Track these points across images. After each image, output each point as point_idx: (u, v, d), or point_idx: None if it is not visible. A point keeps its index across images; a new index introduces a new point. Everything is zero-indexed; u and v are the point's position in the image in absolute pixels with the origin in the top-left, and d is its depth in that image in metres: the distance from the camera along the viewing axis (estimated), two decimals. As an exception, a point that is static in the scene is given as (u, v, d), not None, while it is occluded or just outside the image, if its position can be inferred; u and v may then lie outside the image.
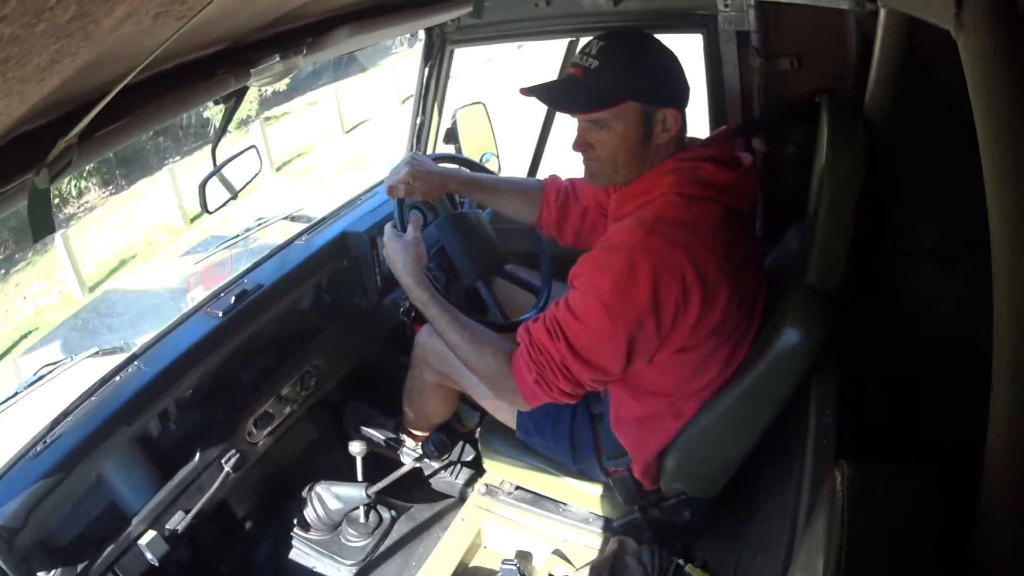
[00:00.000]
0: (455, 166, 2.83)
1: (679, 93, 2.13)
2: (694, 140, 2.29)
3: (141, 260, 14.44)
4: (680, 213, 2.07)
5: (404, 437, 3.30)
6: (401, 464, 3.27)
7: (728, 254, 2.09)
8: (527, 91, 2.21)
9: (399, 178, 2.60)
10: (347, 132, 19.76)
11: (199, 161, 18.49)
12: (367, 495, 2.94)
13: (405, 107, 20.85)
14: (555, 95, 2.26)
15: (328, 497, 3.00)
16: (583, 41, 2.24)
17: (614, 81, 2.09)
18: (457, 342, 2.34)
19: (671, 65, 2.12)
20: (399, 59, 23.80)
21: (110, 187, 17.33)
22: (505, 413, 2.76)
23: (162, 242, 15.35)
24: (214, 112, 18.51)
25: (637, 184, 2.21)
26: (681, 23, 2.90)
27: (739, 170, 2.22)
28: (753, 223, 2.33)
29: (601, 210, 2.66)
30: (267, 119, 19.62)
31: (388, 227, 2.53)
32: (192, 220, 15.88)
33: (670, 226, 2.04)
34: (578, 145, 2.22)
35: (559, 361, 2.12)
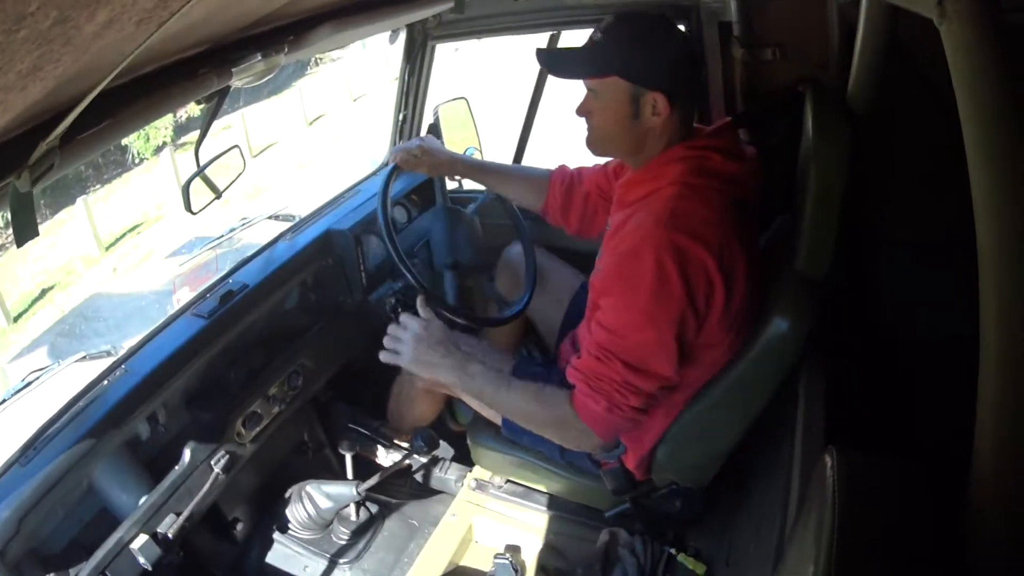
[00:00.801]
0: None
1: (673, 81, 2.14)
2: (700, 130, 2.31)
3: (60, 290, 14.41)
4: (694, 206, 2.09)
5: (392, 435, 3.29)
6: (389, 462, 3.29)
7: (741, 246, 2.11)
8: (539, 52, 2.38)
9: (409, 148, 2.62)
10: (255, 156, 19.68)
11: (119, 188, 18.68)
12: (357, 492, 2.93)
13: (312, 128, 21.28)
14: (554, 60, 2.35)
15: (318, 496, 3.00)
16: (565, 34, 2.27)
17: (607, 55, 2.15)
18: (510, 405, 2.36)
19: (670, 53, 2.14)
20: (309, 79, 24.06)
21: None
22: (488, 409, 2.76)
23: (80, 271, 15.40)
24: (131, 140, 18.73)
25: (645, 170, 2.24)
26: (663, 14, 2.91)
27: (744, 162, 2.25)
28: (756, 217, 2.33)
29: (602, 194, 2.71)
30: (181, 145, 19.52)
31: (406, 320, 2.47)
32: (108, 248, 15.99)
33: (688, 220, 2.06)
34: (579, 110, 2.28)
35: (621, 381, 2.12)
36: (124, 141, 18.25)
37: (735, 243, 2.09)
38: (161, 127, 18.66)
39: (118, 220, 16.35)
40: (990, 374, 1.07)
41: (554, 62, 2.33)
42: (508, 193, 2.94)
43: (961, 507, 1.14)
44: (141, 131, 17.94)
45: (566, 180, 2.82)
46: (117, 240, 16.22)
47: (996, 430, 1.08)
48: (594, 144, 2.32)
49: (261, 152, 20.09)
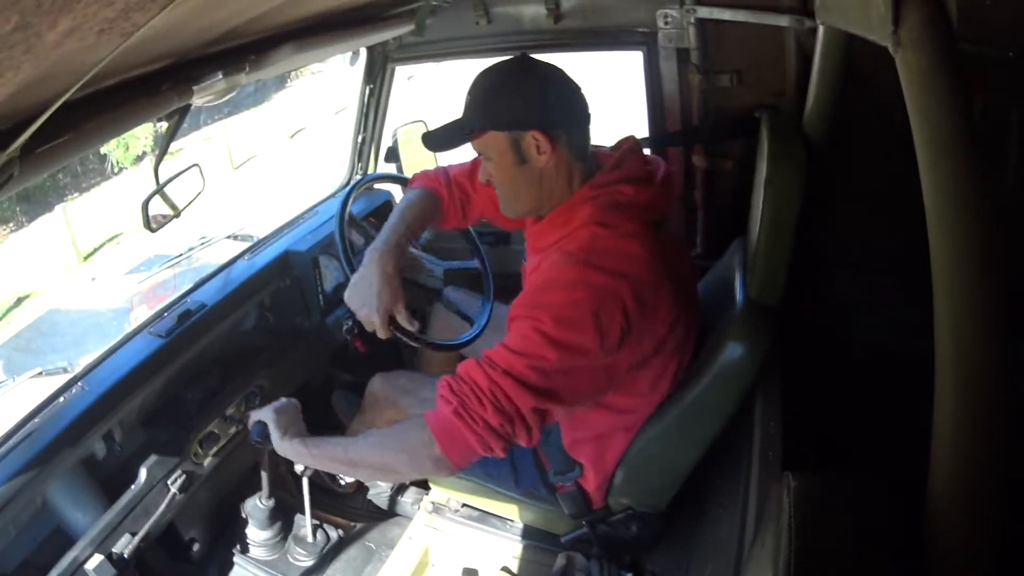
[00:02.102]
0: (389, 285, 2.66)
1: (543, 115, 2.11)
2: (603, 157, 2.28)
3: (36, 297, 14.23)
4: (612, 243, 2.07)
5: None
6: (341, 485, 3.33)
7: (662, 269, 2.10)
8: (423, 137, 2.32)
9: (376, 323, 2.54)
10: (236, 168, 19.55)
11: (98, 197, 18.35)
12: (260, 503, 2.96)
13: (293, 141, 21.11)
14: (436, 139, 2.29)
15: (254, 512, 3.01)
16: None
17: (475, 115, 2.15)
18: (364, 455, 2.26)
19: (532, 90, 2.12)
20: (289, 92, 24.03)
21: (11, 224, 17.05)
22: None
23: (57, 280, 15.08)
24: (110, 148, 18.51)
25: (553, 216, 2.21)
26: (621, 40, 2.93)
27: (655, 185, 2.22)
28: (669, 230, 2.34)
29: (463, 191, 2.72)
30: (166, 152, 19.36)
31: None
32: (86, 258, 15.75)
33: (601, 257, 2.04)
34: (480, 179, 2.28)
35: (486, 388, 2.00)
36: (103, 150, 18.16)
37: (655, 268, 2.08)
38: (141, 136, 18.41)
39: (97, 229, 16.14)
40: (945, 389, 1.09)
41: (436, 140, 2.30)
42: (431, 227, 2.89)
43: (919, 521, 1.15)
44: (120, 140, 17.78)
45: (446, 184, 2.75)
46: (96, 250, 16.02)
47: (952, 444, 1.10)
48: (505, 208, 2.31)
49: (242, 165, 19.91)
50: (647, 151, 2.36)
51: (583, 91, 2.17)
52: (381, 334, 2.39)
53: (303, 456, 2.32)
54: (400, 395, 2.89)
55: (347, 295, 2.43)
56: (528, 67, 2.15)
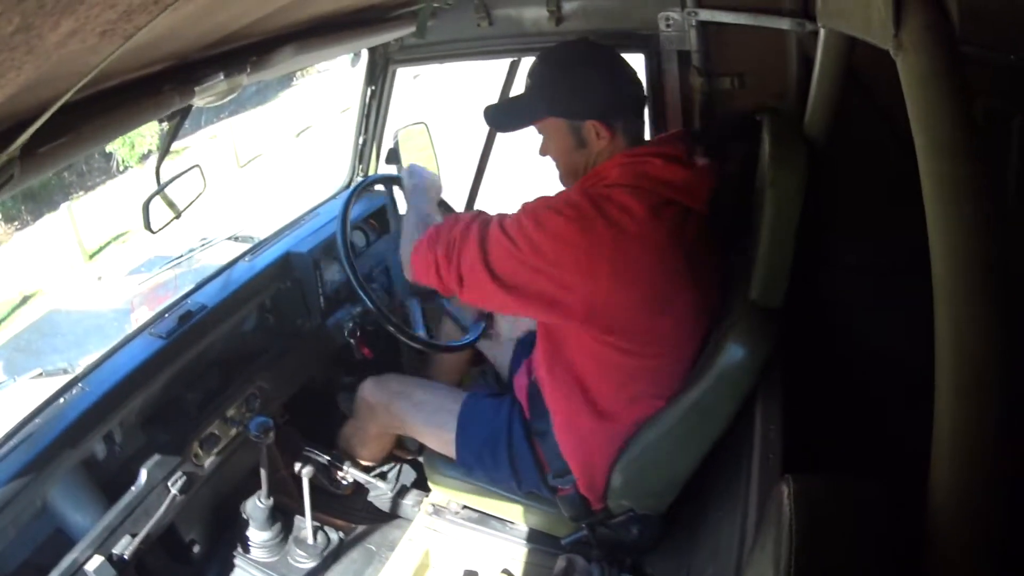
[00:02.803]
0: None
1: (604, 107, 2.20)
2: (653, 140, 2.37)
3: (41, 296, 14.19)
4: (616, 194, 2.13)
5: (345, 460, 3.29)
6: (340, 486, 3.31)
7: (666, 246, 2.13)
8: (486, 112, 2.45)
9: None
10: (242, 167, 19.54)
11: (103, 196, 18.28)
12: (260, 502, 2.95)
13: (299, 140, 21.02)
14: (498, 117, 2.41)
15: (253, 513, 3.00)
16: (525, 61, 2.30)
17: (537, 100, 2.26)
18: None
19: (594, 82, 2.20)
20: (294, 90, 24.05)
21: (15, 223, 17.03)
22: (447, 447, 2.78)
23: (63, 279, 15.02)
24: (116, 147, 18.46)
25: (585, 177, 2.27)
26: (623, 43, 2.92)
27: (690, 169, 2.25)
28: (708, 225, 2.34)
29: None
30: (167, 154, 19.30)
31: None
32: (91, 256, 15.68)
33: (604, 201, 2.10)
34: (540, 152, 2.37)
35: (456, 233, 2.25)
36: (109, 148, 18.08)
37: (661, 244, 2.13)
38: (147, 135, 18.34)
39: (102, 228, 16.11)
40: (945, 392, 1.09)
41: (498, 119, 2.42)
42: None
43: (919, 525, 1.15)
44: (125, 139, 17.73)
45: None
46: (101, 248, 15.99)
47: (953, 448, 1.09)
48: (562, 179, 2.40)
49: (248, 163, 19.84)
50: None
51: (638, 76, 2.27)
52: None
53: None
54: (393, 398, 2.91)
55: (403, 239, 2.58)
56: (589, 56, 2.24)
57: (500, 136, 3.45)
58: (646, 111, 2.36)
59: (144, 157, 19.01)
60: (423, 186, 2.75)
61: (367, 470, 3.27)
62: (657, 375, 2.28)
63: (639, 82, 2.25)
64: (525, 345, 2.92)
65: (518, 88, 2.56)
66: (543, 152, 2.36)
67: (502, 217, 2.21)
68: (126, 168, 19.14)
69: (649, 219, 2.10)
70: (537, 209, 2.15)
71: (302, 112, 22.01)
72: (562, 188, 2.40)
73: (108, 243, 16.05)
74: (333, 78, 22.07)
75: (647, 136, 2.45)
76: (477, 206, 3.75)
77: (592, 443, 2.41)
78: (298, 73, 23.11)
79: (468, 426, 2.69)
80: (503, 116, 2.41)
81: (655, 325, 2.19)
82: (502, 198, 3.02)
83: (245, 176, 18.70)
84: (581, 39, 2.29)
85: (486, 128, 2.90)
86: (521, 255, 2.11)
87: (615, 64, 2.22)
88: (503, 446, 2.62)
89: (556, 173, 2.42)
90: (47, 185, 17.41)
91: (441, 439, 2.78)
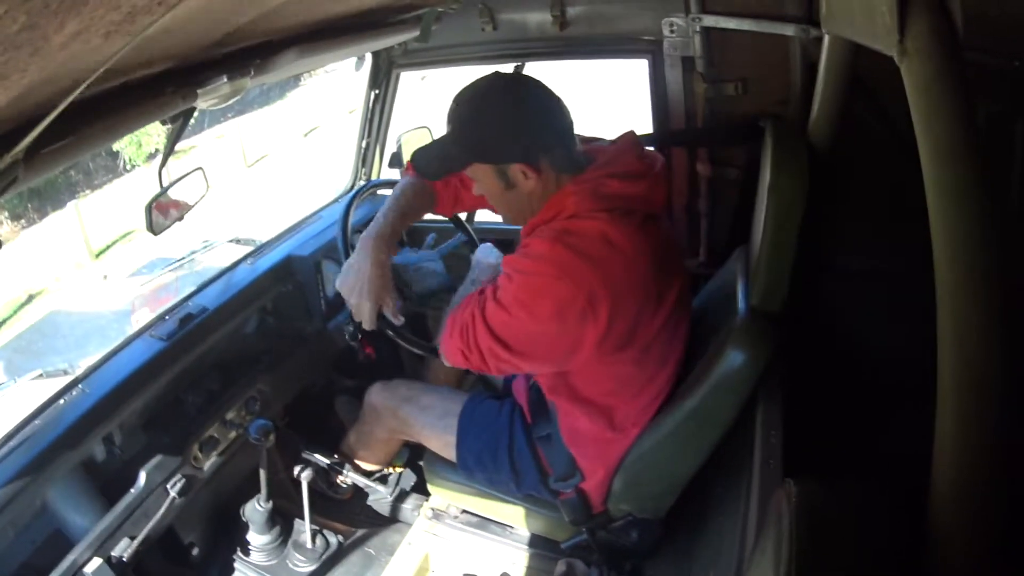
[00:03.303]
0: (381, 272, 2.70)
1: (524, 148, 2.14)
2: (593, 144, 2.33)
3: (47, 295, 14.18)
4: (583, 224, 2.11)
5: (345, 464, 3.28)
6: (339, 490, 3.32)
7: (643, 259, 2.12)
8: (411, 160, 2.37)
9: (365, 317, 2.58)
10: (250, 166, 19.56)
11: (109, 195, 18.26)
12: (259, 506, 2.95)
13: (307, 140, 21.13)
14: (422, 164, 2.31)
15: (252, 516, 3.00)
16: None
17: (458, 147, 2.19)
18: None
19: (509, 123, 2.13)
20: (302, 91, 24.09)
21: (22, 221, 17.01)
22: (448, 450, 2.78)
23: (69, 277, 15.00)
24: (122, 145, 18.47)
25: (542, 212, 2.23)
26: (627, 48, 2.93)
27: (647, 180, 2.23)
28: (667, 224, 2.34)
29: (459, 178, 2.72)
30: (174, 153, 19.31)
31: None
32: (98, 255, 15.62)
33: (574, 237, 2.08)
34: (475, 192, 2.34)
35: (465, 318, 2.20)
36: (115, 147, 18.13)
37: (638, 257, 2.10)
38: (154, 134, 18.25)
39: (109, 226, 16.08)
40: (947, 397, 1.09)
41: (428, 166, 2.32)
42: (421, 212, 2.90)
43: (921, 529, 1.15)
44: (132, 137, 17.68)
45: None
46: (108, 247, 15.96)
47: (954, 452, 1.10)
48: (505, 220, 2.41)
49: (256, 162, 19.85)
50: (650, 148, 2.37)
51: (562, 101, 2.18)
52: (367, 325, 2.43)
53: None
54: (400, 404, 2.90)
55: (338, 282, 2.46)
56: (506, 91, 2.17)
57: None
58: (574, 134, 2.25)
59: (151, 156, 18.98)
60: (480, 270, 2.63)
61: (367, 474, 3.27)
62: (658, 375, 2.29)
63: (560, 109, 2.18)
64: None
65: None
66: (477, 193, 2.34)
67: (495, 289, 2.18)
68: (133, 167, 19.13)
69: (621, 235, 2.09)
70: (519, 275, 2.12)
71: (310, 112, 22.05)
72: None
73: (114, 242, 15.99)
74: (341, 78, 22.09)
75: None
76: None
77: (603, 449, 2.41)
78: (306, 73, 23.15)
79: (469, 428, 2.69)
80: (432, 163, 2.31)
81: (653, 325, 2.19)
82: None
83: (252, 176, 18.72)
84: (493, 73, 2.23)
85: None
86: (523, 324, 2.11)
87: (529, 98, 2.16)
88: (504, 448, 2.62)
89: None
90: (54, 183, 17.39)
91: (443, 441, 2.78)
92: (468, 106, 2.16)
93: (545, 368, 2.29)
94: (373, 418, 3.07)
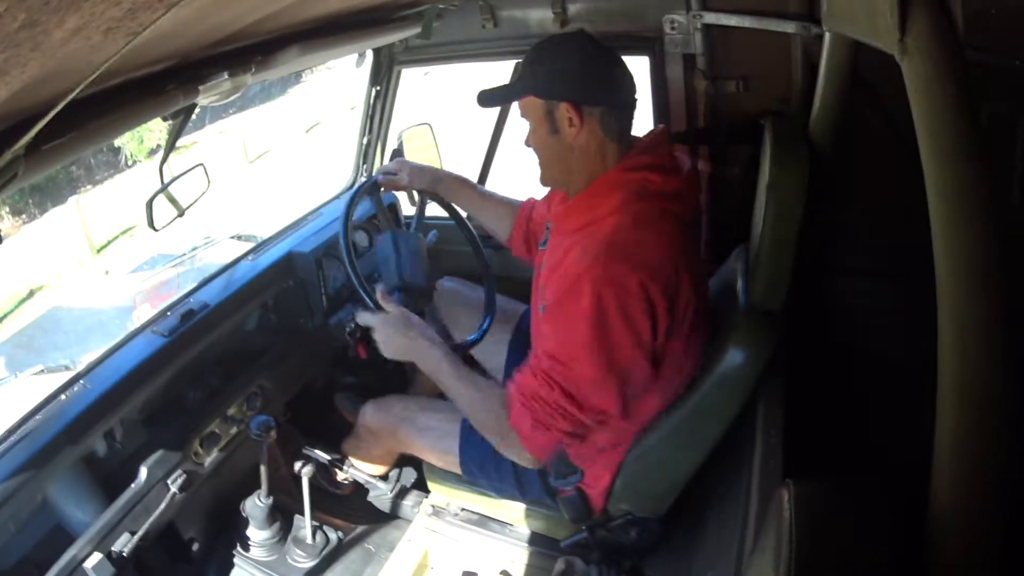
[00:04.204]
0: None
1: (578, 89, 2.16)
2: (633, 141, 2.31)
3: (48, 290, 14.17)
4: (637, 234, 2.09)
5: (345, 460, 3.28)
6: (339, 486, 3.33)
7: (684, 267, 2.10)
8: (479, 93, 2.39)
9: (388, 168, 2.66)
10: (251, 162, 19.55)
11: (111, 190, 18.21)
12: (259, 501, 2.94)
13: (308, 136, 21.13)
14: (484, 95, 2.38)
15: (253, 511, 3.00)
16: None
17: (521, 80, 2.24)
18: (462, 402, 2.39)
19: (572, 63, 2.16)
20: (304, 87, 24.01)
21: (23, 216, 16.99)
22: (452, 467, 2.77)
23: (70, 273, 14.99)
24: (124, 141, 18.39)
25: (581, 197, 2.24)
26: (627, 45, 2.92)
27: (682, 177, 2.24)
28: (696, 233, 2.35)
29: (541, 222, 2.73)
30: (175, 149, 19.30)
31: (367, 316, 2.54)
32: (99, 250, 15.62)
33: (628, 250, 2.05)
34: (525, 140, 2.33)
35: (555, 405, 2.13)
36: (117, 142, 18.01)
37: (681, 263, 2.09)
38: (155, 130, 18.16)
39: (110, 222, 16.06)
40: (947, 396, 1.09)
41: (484, 97, 2.38)
42: (480, 217, 2.95)
43: (920, 529, 1.15)
44: (134, 133, 17.69)
45: (527, 213, 2.84)
46: (109, 243, 15.95)
47: (954, 452, 1.10)
48: (541, 173, 2.37)
49: (257, 158, 19.84)
50: None
51: (632, 80, 2.21)
52: (385, 306, 2.51)
53: (423, 362, 2.45)
54: (398, 424, 2.89)
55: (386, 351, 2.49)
56: (573, 41, 2.20)
57: (503, 135, 3.46)
58: (634, 118, 2.28)
59: (152, 152, 18.93)
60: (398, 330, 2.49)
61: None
62: (678, 372, 2.26)
63: (626, 81, 2.20)
64: (517, 350, 2.91)
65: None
66: (527, 141, 2.33)
67: (545, 350, 2.16)
68: (134, 162, 19.07)
69: (658, 239, 2.09)
70: (567, 321, 2.10)
71: (312, 108, 22.05)
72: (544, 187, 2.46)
73: (116, 237, 15.98)
74: (343, 75, 22.07)
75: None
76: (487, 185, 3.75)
77: (603, 448, 2.40)
78: (307, 70, 23.14)
79: (470, 440, 2.67)
80: (489, 94, 2.39)
81: (684, 327, 2.18)
82: (505, 193, 3.00)
83: (254, 171, 18.71)
84: (579, 30, 2.27)
85: (492, 125, 2.90)
86: (587, 346, 2.07)
87: (603, 55, 2.19)
88: (506, 458, 2.60)
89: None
90: (55, 179, 17.37)
91: (446, 460, 2.78)
92: (539, 48, 2.22)
93: (629, 406, 2.22)
94: (370, 438, 3.08)
